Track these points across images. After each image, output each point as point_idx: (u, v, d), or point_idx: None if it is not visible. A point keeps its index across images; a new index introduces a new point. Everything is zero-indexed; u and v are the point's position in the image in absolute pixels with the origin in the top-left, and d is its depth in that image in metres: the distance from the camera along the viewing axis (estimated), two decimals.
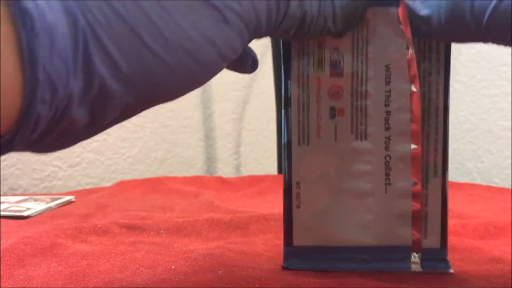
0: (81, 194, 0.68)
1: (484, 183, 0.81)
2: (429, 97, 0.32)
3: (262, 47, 0.82)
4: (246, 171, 1.01)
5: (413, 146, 0.31)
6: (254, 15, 0.23)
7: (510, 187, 0.73)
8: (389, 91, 0.31)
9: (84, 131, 0.21)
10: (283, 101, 0.33)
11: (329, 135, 0.32)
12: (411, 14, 0.28)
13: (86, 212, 0.54)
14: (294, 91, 0.32)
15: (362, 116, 0.32)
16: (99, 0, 0.19)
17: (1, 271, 0.33)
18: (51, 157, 0.77)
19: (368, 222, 0.33)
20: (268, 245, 0.40)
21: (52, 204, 0.59)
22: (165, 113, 0.90)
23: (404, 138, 0.31)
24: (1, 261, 0.35)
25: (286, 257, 0.34)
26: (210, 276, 0.32)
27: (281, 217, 0.34)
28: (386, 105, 0.32)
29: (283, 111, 0.33)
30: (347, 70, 0.32)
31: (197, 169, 0.95)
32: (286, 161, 0.33)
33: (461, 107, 0.90)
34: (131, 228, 0.45)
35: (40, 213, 0.55)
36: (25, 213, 0.53)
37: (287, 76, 0.32)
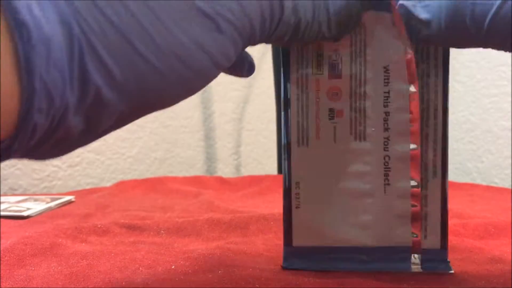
0: (81, 194, 0.68)
1: (484, 183, 0.82)
2: (427, 98, 0.32)
3: (262, 47, 0.82)
4: (246, 171, 1.01)
5: (412, 146, 0.31)
6: (247, 23, 0.23)
7: (510, 187, 0.73)
8: (388, 92, 0.32)
9: (79, 139, 0.21)
10: (282, 103, 0.33)
11: (328, 136, 0.33)
12: (412, 18, 0.28)
13: (86, 212, 0.54)
14: (293, 92, 0.33)
15: (361, 117, 0.32)
16: (93, 8, 0.19)
17: (1, 271, 0.33)
18: None
19: (368, 223, 0.33)
20: (268, 245, 0.40)
21: (52, 204, 0.59)
22: (165, 113, 0.90)
23: (403, 138, 0.32)
24: (1, 261, 0.35)
25: (285, 257, 0.34)
26: (210, 276, 0.32)
27: (281, 217, 0.34)
28: (385, 106, 0.32)
29: (282, 112, 0.33)
30: (346, 72, 0.32)
31: (197, 169, 0.95)
32: (286, 162, 0.33)
33: (461, 107, 0.90)
34: (131, 228, 0.45)
35: (40, 213, 0.55)
36: (25, 213, 0.53)
37: (286, 78, 0.32)
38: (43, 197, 0.63)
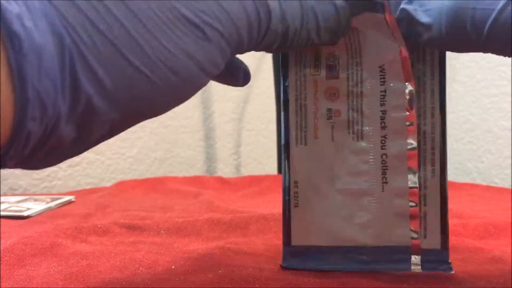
0: (81, 194, 0.68)
1: (484, 183, 0.82)
2: (424, 97, 0.32)
3: None
4: (246, 171, 1.01)
5: (409, 144, 0.31)
6: (235, 32, 0.23)
7: (510, 187, 0.73)
8: (384, 91, 0.32)
9: (71, 147, 0.22)
10: (281, 103, 0.33)
11: (326, 136, 0.33)
12: (413, 22, 0.28)
13: (86, 212, 0.54)
14: (292, 93, 0.33)
15: (358, 116, 0.32)
16: (83, 19, 0.19)
17: (1, 271, 0.33)
18: None
19: (366, 222, 0.33)
20: (268, 245, 0.40)
21: (52, 204, 0.59)
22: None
23: (400, 136, 0.32)
24: (1, 261, 0.35)
25: (285, 257, 0.34)
26: (210, 276, 0.32)
27: (281, 217, 0.34)
28: (382, 105, 0.32)
29: (282, 113, 0.33)
30: (343, 72, 0.32)
31: (197, 169, 0.95)
32: (285, 162, 0.33)
33: (461, 107, 0.90)
34: (131, 228, 0.45)
35: (40, 213, 0.55)
36: (25, 213, 0.53)
37: (285, 79, 0.33)
38: (43, 197, 0.63)
